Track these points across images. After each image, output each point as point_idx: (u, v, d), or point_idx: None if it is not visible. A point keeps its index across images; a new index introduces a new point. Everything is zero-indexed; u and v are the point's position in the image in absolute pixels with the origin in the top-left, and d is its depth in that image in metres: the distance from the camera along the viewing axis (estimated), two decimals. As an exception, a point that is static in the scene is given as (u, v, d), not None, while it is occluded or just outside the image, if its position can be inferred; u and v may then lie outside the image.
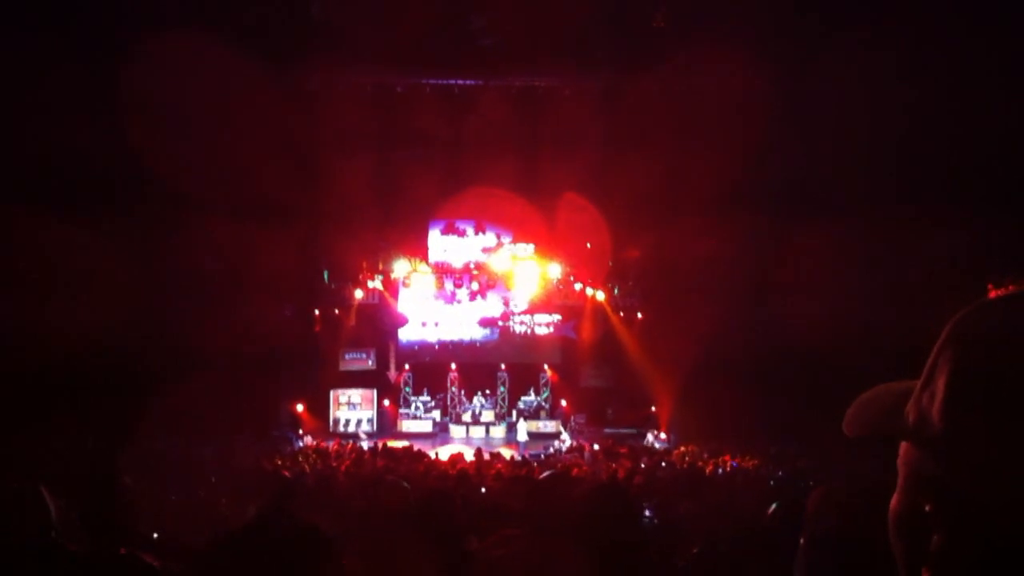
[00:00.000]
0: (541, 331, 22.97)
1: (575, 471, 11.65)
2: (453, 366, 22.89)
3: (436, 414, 22.55)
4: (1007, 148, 11.90)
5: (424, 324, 22.97)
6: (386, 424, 22.29)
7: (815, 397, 13.20)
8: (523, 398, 22.87)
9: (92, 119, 13.01)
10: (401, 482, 4.01)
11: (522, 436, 20.54)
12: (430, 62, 19.46)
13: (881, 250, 14.23)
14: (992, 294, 0.76)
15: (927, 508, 0.73)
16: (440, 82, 20.54)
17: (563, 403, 22.63)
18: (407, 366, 23.07)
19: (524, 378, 23.09)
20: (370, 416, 22.25)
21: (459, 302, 22.96)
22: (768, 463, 13.80)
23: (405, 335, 23.06)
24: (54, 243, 12.63)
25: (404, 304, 22.80)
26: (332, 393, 22.10)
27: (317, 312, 21.93)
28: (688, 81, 16.91)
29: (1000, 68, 12.10)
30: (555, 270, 22.73)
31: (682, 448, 17.28)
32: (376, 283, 22.51)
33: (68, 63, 12.46)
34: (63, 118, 12.31)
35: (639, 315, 22.10)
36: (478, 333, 23.07)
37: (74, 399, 12.54)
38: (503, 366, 22.98)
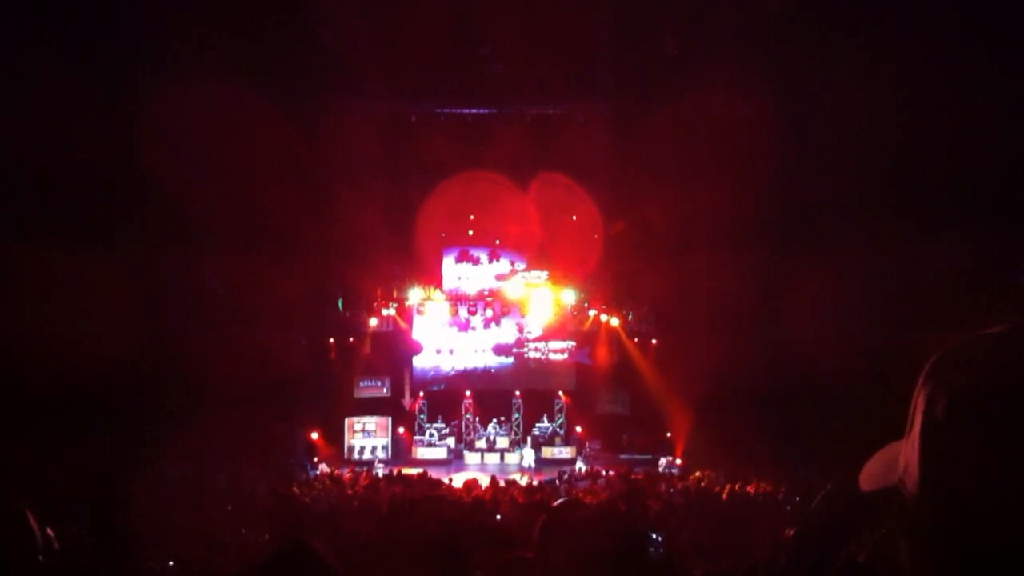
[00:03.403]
0: (555, 357, 22.93)
1: (590, 498, 11.57)
2: (468, 393, 22.87)
3: (451, 441, 22.49)
4: (1009, 167, 11.89)
5: (438, 351, 23.00)
6: (401, 451, 22.24)
7: (828, 419, 13.13)
8: (538, 424, 22.78)
9: (106, 146, 13.16)
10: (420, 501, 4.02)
11: (527, 461, 20.51)
12: (442, 90, 19.67)
13: (891, 272, 14.17)
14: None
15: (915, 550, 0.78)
16: (453, 110, 20.73)
17: (578, 429, 22.53)
18: (422, 393, 23.05)
19: (539, 404, 23.01)
20: (385, 443, 22.20)
21: (473, 329, 22.99)
22: (783, 486, 13.66)
23: (420, 362, 23.07)
24: (74, 267, 12.71)
25: (418, 332, 22.85)
26: (347, 421, 22.09)
27: (332, 340, 22.02)
28: (697, 107, 16.98)
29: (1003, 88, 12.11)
30: (569, 296, 22.73)
31: (698, 473, 17.13)
32: (390, 311, 22.59)
33: (84, 88, 12.60)
34: (76, 146, 12.44)
35: (653, 341, 22.03)
36: (492, 360, 23.06)
37: (86, 419, 12.55)
38: (518, 393, 22.93)
